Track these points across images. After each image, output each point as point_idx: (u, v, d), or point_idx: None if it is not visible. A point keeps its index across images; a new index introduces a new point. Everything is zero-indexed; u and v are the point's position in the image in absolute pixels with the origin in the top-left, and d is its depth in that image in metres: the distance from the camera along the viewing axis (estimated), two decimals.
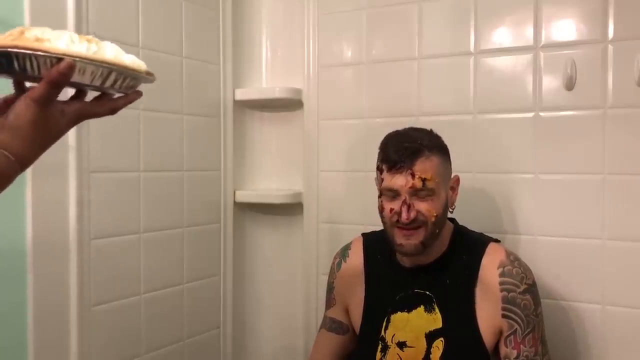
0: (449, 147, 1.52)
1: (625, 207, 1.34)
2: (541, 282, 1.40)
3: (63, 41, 0.62)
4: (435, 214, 1.17)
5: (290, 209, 1.82)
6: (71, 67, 0.61)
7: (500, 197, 1.48)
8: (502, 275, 1.19)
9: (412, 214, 1.16)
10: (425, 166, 1.16)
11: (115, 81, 0.67)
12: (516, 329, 1.17)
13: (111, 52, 0.65)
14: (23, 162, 0.64)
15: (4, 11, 1.18)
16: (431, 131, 1.25)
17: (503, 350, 1.18)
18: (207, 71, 1.70)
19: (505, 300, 1.17)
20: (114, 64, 0.65)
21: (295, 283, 1.82)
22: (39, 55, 0.60)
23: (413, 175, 1.15)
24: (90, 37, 0.65)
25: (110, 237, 1.40)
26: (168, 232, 1.57)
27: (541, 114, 1.43)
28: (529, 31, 1.44)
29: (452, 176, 1.26)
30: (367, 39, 1.66)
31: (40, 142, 0.66)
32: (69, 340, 1.30)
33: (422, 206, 1.17)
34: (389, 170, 1.18)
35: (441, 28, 1.56)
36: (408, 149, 1.17)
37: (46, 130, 0.66)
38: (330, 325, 1.39)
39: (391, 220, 1.20)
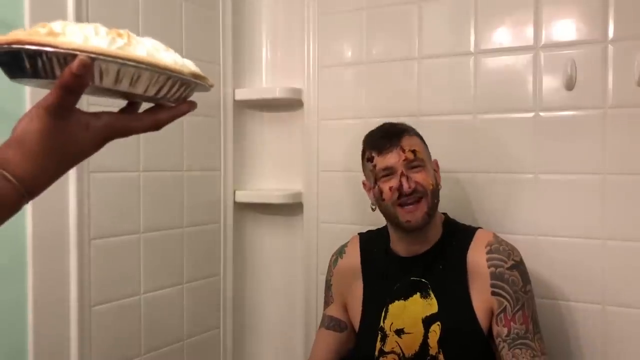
0: (449, 147, 1.53)
1: (625, 207, 1.34)
2: (541, 282, 1.41)
3: (81, 35, 0.49)
4: (431, 183, 1.24)
5: (290, 209, 1.82)
6: (85, 66, 0.47)
7: (500, 197, 1.48)
8: (489, 252, 1.23)
9: (412, 184, 1.22)
10: (411, 141, 1.26)
11: (160, 88, 0.53)
12: (505, 306, 1.18)
13: (143, 49, 0.52)
14: (30, 187, 0.51)
15: (4, 11, 1.18)
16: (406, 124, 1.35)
17: (495, 329, 1.19)
18: (207, 71, 1.68)
19: (493, 276, 1.20)
20: (145, 63, 0.51)
21: (295, 283, 1.82)
22: (48, 51, 0.48)
23: (403, 150, 1.23)
24: (123, 31, 0.52)
25: (110, 237, 1.40)
26: (168, 232, 1.57)
27: (541, 114, 1.43)
28: (529, 31, 1.44)
29: (432, 159, 1.34)
30: (367, 39, 1.66)
31: (54, 163, 0.52)
32: (69, 340, 1.30)
33: (418, 177, 1.23)
34: (380, 153, 1.25)
35: (441, 28, 1.56)
36: (391, 131, 1.27)
37: (62, 147, 0.51)
38: (328, 323, 1.40)
39: (393, 199, 1.24)
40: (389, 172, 1.24)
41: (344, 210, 1.69)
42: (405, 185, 1.22)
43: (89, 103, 1.38)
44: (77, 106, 0.52)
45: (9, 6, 1.19)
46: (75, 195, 1.30)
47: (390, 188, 1.23)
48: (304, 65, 1.75)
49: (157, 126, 0.57)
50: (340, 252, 1.42)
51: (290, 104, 1.80)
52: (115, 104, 0.59)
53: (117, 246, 1.42)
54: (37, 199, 1.32)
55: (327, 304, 1.42)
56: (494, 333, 1.19)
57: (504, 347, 1.16)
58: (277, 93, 1.76)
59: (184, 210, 1.62)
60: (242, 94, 1.79)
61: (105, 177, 1.38)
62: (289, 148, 1.84)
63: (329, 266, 1.43)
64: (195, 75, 0.56)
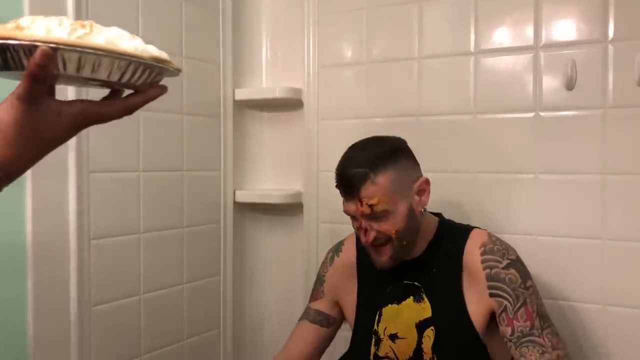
0: (449, 147, 1.52)
1: (625, 207, 1.34)
2: (541, 282, 1.41)
3: (44, 27, 0.53)
4: (394, 230, 1.18)
5: (290, 209, 1.82)
6: (47, 56, 0.51)
7: (500, 197, 1.48)
8: (483, 253, 1.19)
9: (371, 236, 1.18)
10: (369, 192, 1.15)
11: (123, 73, 0.56)
12: (506, 305, 1.14)
13: (103, 37, 0.54)
14: (8, 171, 0.55)
15: (4, 11, 1.18)
16: (382, 140, 1.24)
17: (500, 330, 1.16)
18: (207, 71, 1.70)
19: (488, 277, 1.17)
20: (105, 50, 0.53)
21: (295, 283, 1.82)
22: (14, 44, 0.52)
23: (361, 202, 1.17)
24: (87, 22, 0.56)
25: (110, 237, 1.40)
26: (168, 232, 1.57)
27: (541, 114, 1.43)
28: (529, 31, 1.44)
29: (419, 179, 1.22)
30: (367, 39, 1.66)
31: (30, 149, 0.55)
32: (69, 340, 1.30)
33: (379, 227, 1.18)
34: (343, 195, 1.21)
35: (441, 28, 1.56)
36: (353, 176, 1.17)
37: (37, 134, 0.55)
38: (314, 317, 1.38)
39: (361, 238, 1.23)
40: (352, 216, 1.22)
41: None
42: (363, 239, 1.19)
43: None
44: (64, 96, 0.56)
45: (8, 6, 1.19)
46: (75, 195, 1.30)
47: (358, 228, 1.22)
48: (304, 65, 1.75)
49: (128, 110, 0.59)
50: (337, 249, 1.41)
51: (290, 104, 1.80)
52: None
53: (117, 246, 1.42)
54: (37, 199, 1.32)
55: (314, 298, 1.40)
56: (500, 334, 1.16)
57: (511, 347, 1.12)
58: (277, 93, 1.76)
59: (184, 210, 1.62)
60: (242, 94, 1.79)
61: (105, 177, 1.38)
62: (289, 148, 1.84)
63: (324, 262, 1.42)
64: (156, 59, 0.58)
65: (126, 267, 1.45)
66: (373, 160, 1.17)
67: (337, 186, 1.23)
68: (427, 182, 1.23)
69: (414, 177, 1.22)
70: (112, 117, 0.59)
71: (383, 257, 1.21)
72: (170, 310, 1.59)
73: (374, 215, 1.17)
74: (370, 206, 1.16)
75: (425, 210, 1.24)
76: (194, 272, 1.66)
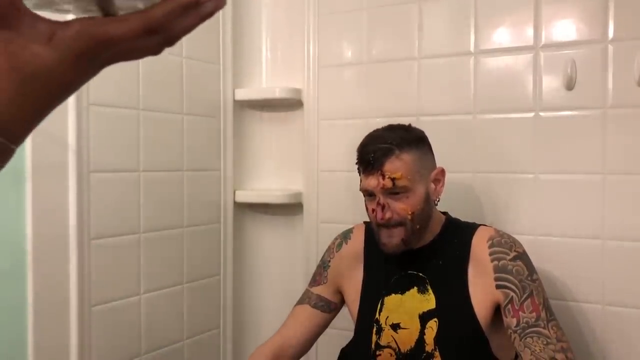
0: (449, 147, 1.52)
1: (625, 207, 1.34)
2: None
3: None
4: (411, 212, 1.19)
5: (290, 209, 1.82)
6: None
7: (500, 197, 1.48)
8: (491, 246, 1.20)
9: (387, 214, 1.19)
10: (394, 166, 1.17)
11: None
12: (512, 296, 1.15)
13: None
14: (7, 130, 0.36)
15: None
16: (408, 127, 1.27)
17: (505, 322, 1.16)
18: (207, 71, 1.70)
19: (496, 269, 1.18)
20: None
21: (295, 283, 1.82)
22: None
23: (383, 176, 1.18)
24: None
25: (110, 237, 1.40)
26: (168, 232, 1.57)
27: (541, 114, 1.43)
28: (529, 31, 1.44)
29: (435, 168, 1.26)
30: (367, 39, 1.66)
31: (17, 96, 0.35)
32: (69, 340, 1.30)
33: (397, 205, 1.19)
34: (364, 171, 1.22)
35: (441, 28, 1.56)
36: (378, 150, 1.19)
37: (18, 70, 0.35)
38: (316, 302, 1.37)
39: (374, 220, 1.23)
40: (370, 193, 1.21)
41: (344, 210, 1.69)
42: (379, 215, 1.19)
43: (88, 103, 1.37)
44: None
45: None
46: (75, 195, 1.30)
47: (373, 210, 1.21)
48: (304, 65, 1.75)
49: (149, 26, 0.38)
50: (346, 236, 1.41)
51: (290, 104, 1.80)
52: None
53: (117, 246, 1.42)
54: (37, 199, 1.31)
55: (317, 283, 1.39)
56: (505, 326, 1.16)
57: (515, 338, 1.12)
58: (277, 93, 1.77)
59: (184, 210, 1.62)
60: (242, 94, 1.79)
61: (105, 177, 1.38)
62: (289, 148, 1.84)
63: (331, 248, 1.41)
64: None
65: (126, 267, 1.45)
66: (399, 139, 1.20)
67: (357, 162, 1.23)
68: (443, 172, 1.27)
69: (433, 164, 1.26)
70: (126, 39, 0.37)
71: (395, 239, 1.21)
72: (170, 310, 1.59)
73: (394, 191, 1.18)
74: (393, 179, 1.17)
75: (438, 201, 1.26)
76: (194, 272, 1.66)
